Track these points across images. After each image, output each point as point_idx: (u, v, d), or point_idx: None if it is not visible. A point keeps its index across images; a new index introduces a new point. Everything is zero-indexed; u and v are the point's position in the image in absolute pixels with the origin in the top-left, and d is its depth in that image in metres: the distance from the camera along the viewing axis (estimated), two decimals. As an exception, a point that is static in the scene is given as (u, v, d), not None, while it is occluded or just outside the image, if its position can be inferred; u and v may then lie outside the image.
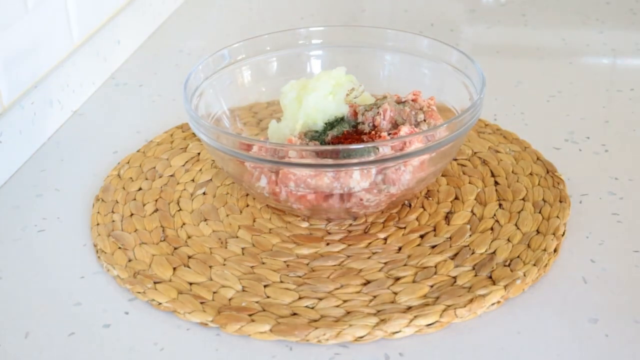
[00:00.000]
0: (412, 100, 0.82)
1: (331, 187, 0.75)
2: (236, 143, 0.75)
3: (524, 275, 0.72)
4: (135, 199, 0.85)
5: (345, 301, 0.71)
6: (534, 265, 0.73)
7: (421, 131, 0.77)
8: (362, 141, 0.78)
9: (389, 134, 0.78)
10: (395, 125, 0.80)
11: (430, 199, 0.83)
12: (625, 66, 1.13)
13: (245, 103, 0.94)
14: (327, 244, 0.78)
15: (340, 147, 0.73)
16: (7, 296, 0.74)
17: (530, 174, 0.86)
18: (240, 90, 0.91)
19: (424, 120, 0.81)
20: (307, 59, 0.94)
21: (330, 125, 0.81)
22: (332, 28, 0.95)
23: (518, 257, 0.75)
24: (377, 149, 0.73)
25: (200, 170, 0.89)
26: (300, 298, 0.72)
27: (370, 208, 0.78)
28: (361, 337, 0.68)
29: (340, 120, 0.81)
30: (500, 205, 0.82)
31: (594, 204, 0.83)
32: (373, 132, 0.79)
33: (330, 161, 0.73)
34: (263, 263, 0.76)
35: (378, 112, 0.80)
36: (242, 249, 0.78)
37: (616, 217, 0.81)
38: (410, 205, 0.82)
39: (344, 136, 0.80)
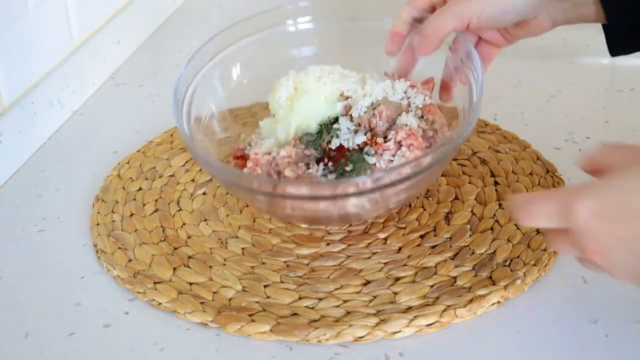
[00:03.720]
0: (411, 86, 0.81)
1: (328, 211, 0.74)
2: (230, 176, 0.74)
3: (524, 275, 0.72)
4: (135, 199, 0.85)
5: (345, 301, 0.71)
6: (534, 265, 0.73)
7: (419, 156, 0.74)
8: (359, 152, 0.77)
9: (385, 139, 0.77)
10: (392, 123, 0.79)
11: (430, 199, 0.83)
12: (625, 66, 1.13)
13: (246, 103, 0.94)
14: (327, 244, 0.78)
15: (336, 181, 0.73)
16: (7, 296, 0.74)
17: (530, 174, 0.85)
18: (241, 91, 0.91)
19: (422, 117, 0.80)
20: (304, 56, 0.93)
21: (325, 127, 0.80)
22: (329, 25, 0.94)
23: (518, 257, 0.75)
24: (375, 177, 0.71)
25: (200, 170, 0.89)
26: (300, 298, 0.72)
27: (369, 219, 0.78)
28: (361, 337, 0.68)
29: (334, 121, 0.80)
30: (500, 205, 0.81)
31: (594, 204, 0.83)
32: (369, 139, 0.77)
33: (327, 192, 0.71)
34: (263, 263, 0.76)
35: (374, 114, 0.79)
36: (242, 249, 0.78)
37: (616, 217, 0.81)
38: (410, 205, 0.82)
39: (339, 148, 0.78)
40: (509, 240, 0.77)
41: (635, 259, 0.58)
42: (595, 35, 1.19)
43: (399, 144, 0.76)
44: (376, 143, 0.76)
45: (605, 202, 0.58)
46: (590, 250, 0.59)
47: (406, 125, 0.78)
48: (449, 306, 0.70)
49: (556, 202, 0.60)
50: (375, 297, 0.72)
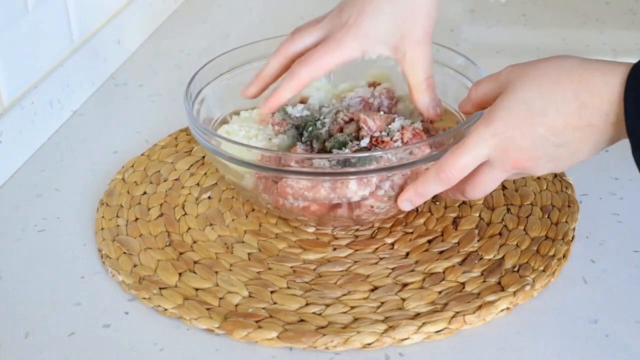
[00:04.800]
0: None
1: (329, 198, 0.73)
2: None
3: (533, 281, 0.72)
4: (140, 203, 0.84)
5: (352, 307, 0.71)
6: (543, 271, 0.73)
7: (426, 139, 0.75)
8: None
9: (391, 139, 0.77)
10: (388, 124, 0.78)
11: (438, 203, 0.82)
12: (626, 66, 1.13)
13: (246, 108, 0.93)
14: (334, 249, 0.78)
15: (337, 156, 0.72)
16: (7, 296, 0.74)
17: (538, 178, 0.85)
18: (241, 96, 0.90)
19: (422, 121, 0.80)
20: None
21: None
22: None
23: (527, 262, 0.74)
24: (380, 157, 0.71)
25: (205, 174, 0.88)
26: (307, 304, 0.71)
27: (380, 215, 0.77)
28: (369, 344, 0.67)
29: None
30: (508, 209, 0.81)
31: (594, 204, 0.83)
32: (379, 138, 0.77)
33: (327, 169, 0.71)
34: (269, 268, 0.75)
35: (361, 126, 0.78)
36: (248, 254, 0.77)
37: (616, 217, 0.81)
38: (417, 210, 0.82)
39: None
40: (517, 246, 0.76)
41: (555, 149, 0.66)
42: (595, 35, 1.20)
43: (406, 145, 0.75)
44: (382, 142, 0.76)
45: (511, 116, 0.66)
46: (520, 161, 0.67)
47: (412, 124, 0.77)
48: (457, 312, 0.69)
49: (474, 141, 0.67)
50: (383, 303, 0.71)
